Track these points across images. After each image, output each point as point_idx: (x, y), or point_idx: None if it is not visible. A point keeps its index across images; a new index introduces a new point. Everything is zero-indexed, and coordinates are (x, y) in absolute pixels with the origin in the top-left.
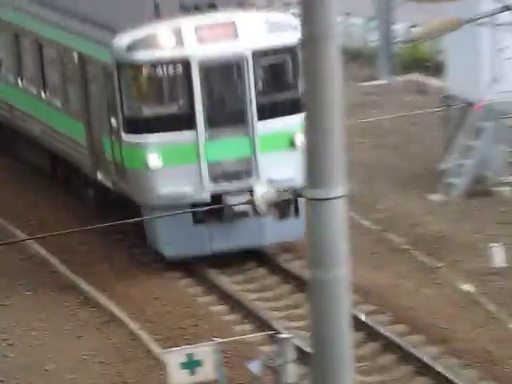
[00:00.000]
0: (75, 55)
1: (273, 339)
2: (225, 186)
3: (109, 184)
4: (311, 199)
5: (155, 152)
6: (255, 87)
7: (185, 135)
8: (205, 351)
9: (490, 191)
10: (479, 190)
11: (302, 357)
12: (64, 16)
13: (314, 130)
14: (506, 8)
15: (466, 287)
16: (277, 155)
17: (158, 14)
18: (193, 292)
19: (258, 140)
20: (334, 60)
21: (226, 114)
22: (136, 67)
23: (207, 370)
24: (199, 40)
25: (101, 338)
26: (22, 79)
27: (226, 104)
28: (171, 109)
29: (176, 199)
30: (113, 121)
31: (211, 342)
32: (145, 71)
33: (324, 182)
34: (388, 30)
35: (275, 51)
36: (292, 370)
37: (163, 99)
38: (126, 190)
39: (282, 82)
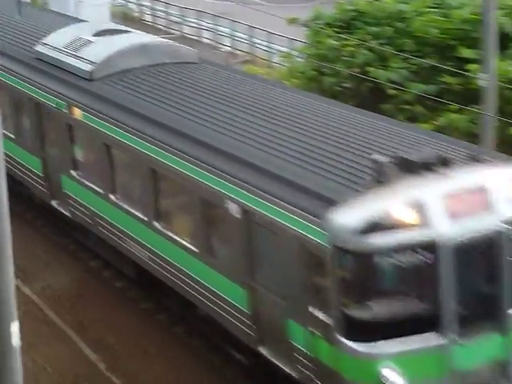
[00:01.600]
0: (234, 208)
1: None
2: None
3: (290, 370)
4: None
5: (392, 365)
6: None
7: (428, 340)
8: None
9: None
10: None
11: None
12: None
13: None
14: None
15: None
16: None
17: (382, 176)
18: None
19: None
20: None
21: (479, 308)
22: (367, 255)
23: None
24: (447, 215)
25: None
26: (115, 193)
27: (480, 295)
28: (411, 307)
29: None
30: (318, 314)
31: None
32: (380, 260)
33: None
34: None
35: None
36: None
37: (401, 295)
38: None
39: None
